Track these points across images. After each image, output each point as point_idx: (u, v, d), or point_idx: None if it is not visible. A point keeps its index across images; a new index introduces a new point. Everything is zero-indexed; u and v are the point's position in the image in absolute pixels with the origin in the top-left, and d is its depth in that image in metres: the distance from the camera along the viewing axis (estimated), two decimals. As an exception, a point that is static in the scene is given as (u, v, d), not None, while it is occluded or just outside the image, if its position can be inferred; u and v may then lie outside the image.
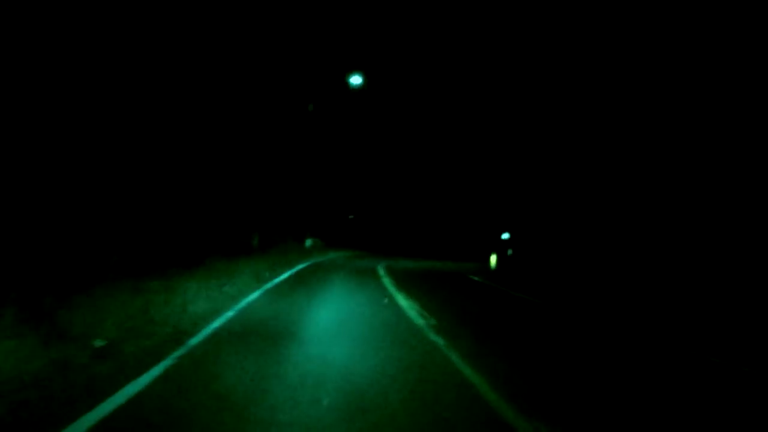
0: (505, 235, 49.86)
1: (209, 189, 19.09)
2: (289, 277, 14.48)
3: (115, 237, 12.22)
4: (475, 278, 17.58)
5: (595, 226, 23.51)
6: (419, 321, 8.08)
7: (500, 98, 40.00)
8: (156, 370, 4.63)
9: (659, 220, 18.77)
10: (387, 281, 14.51)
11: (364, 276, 16.08)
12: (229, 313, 7.93)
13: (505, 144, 42.21)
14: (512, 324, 9.03)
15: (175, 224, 15.97)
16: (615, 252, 20.24)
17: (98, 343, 5.10)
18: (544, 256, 21.82)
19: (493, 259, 20.59)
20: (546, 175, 32.45)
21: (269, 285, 12.11)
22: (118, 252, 10.85)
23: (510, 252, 43.79)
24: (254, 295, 10.16)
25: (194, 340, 5.96)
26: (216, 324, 7.04)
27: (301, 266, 18.97)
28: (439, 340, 6.66)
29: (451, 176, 48.12)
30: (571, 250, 21.92)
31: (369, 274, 17.09)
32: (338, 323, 7.67)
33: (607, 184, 22.91)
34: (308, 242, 28.57)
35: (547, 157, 32.15)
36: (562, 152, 28.93)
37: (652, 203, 19.32)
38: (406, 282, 14.43)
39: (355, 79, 27.94)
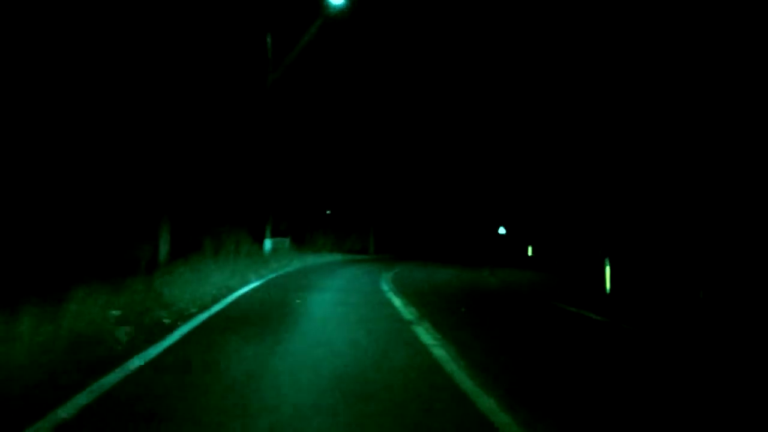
0: (502, 230, 41.18)
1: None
2: (172, 350, 5.38)
3: None
4: (587, 313, 8.71)
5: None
6: None
7: (515, 75, 31.59)
8: None
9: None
10: (427, 337, 5.56)
11: (372, 333, 7.05)
12: None
13: (522, 124, 33.97)
14: None
15: None
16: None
17: None
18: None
19: (608, 273, 11.41)
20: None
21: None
22: None
23: (531, 251, 34.77)
24: None
25: None
26: None
27: (237, 294, 9.81)
28: None
29: (453, 160, 39.18)
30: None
31: (380, 316, 8.10)
32: None
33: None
34: (268, 244, 19.33)
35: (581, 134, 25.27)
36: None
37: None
38: (477, 346, 5.50)
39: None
